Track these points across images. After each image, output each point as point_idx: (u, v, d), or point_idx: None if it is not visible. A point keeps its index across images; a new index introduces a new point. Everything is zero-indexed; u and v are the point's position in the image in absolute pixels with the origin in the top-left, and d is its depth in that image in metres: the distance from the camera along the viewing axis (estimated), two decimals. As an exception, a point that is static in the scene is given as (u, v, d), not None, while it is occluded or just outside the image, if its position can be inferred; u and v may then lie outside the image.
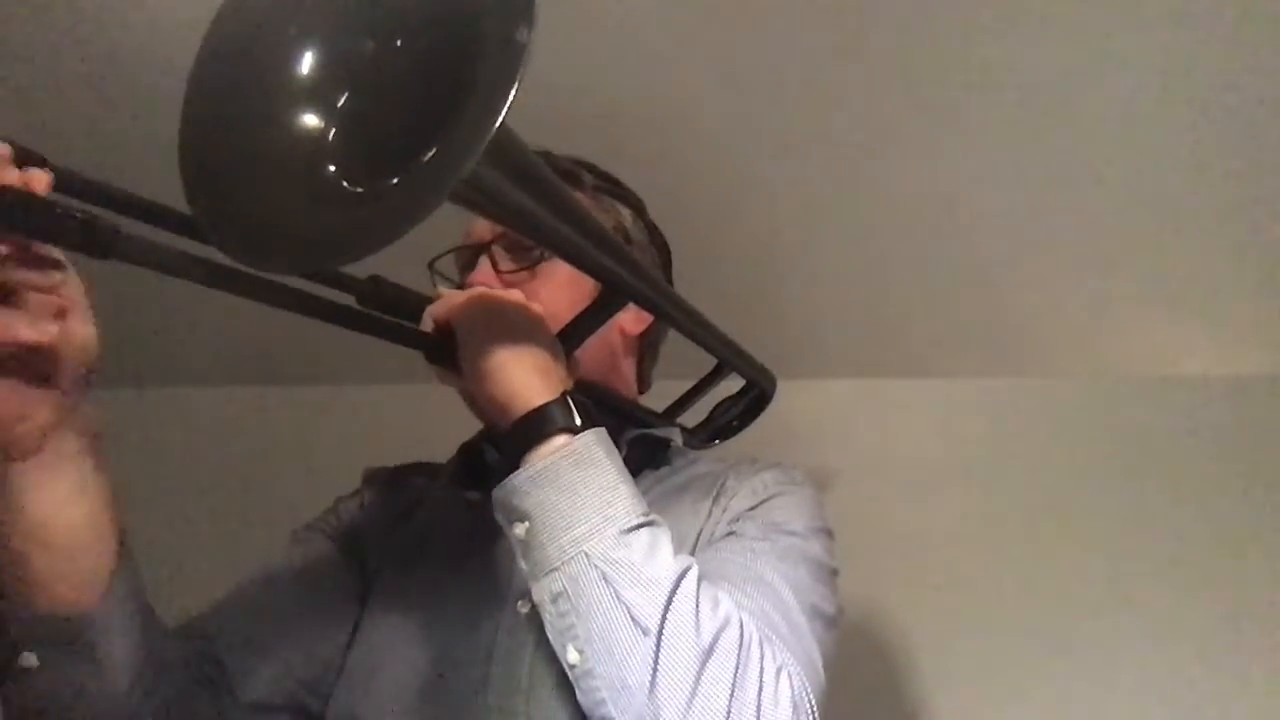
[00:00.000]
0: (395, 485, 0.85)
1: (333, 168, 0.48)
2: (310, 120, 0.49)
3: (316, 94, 0.49)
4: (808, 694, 0.55)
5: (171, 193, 0.50)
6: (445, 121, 0.44)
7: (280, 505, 1.02)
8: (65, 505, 0.53)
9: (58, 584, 0.54)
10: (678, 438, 0.83)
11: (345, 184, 0.47)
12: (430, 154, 0.44)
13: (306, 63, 0.49)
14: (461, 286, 0.76)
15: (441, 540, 0.76)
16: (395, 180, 0.45)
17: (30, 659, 0.55)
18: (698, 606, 0.53)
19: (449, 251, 0.80)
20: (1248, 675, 1.41)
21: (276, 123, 0.48)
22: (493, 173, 0.48)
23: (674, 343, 0.86)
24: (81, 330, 0.49)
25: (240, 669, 0.67)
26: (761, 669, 0.52)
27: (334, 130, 0.48)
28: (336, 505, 0.84)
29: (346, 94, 0.49)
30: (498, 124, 0.41)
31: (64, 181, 0.48)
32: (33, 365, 0.48)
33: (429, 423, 1.00)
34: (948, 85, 1.14)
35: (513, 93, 0.41)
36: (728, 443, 0.99)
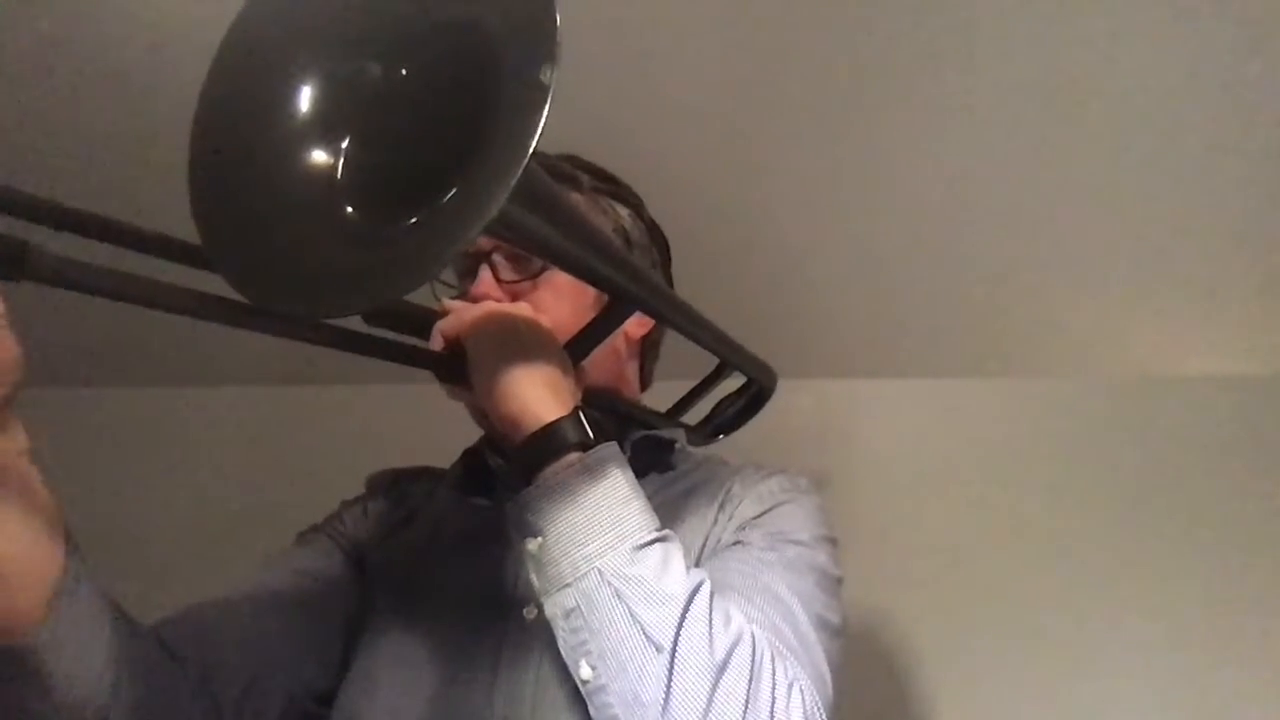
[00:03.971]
0: (397, 491, 0.85)
1: (349, 208, 0.46)
2: (319, 159, 0.47)
3: (322, 132, 0.47)
4: (818, 708, 0.55)
5: (173, 222, 0.49)
6: (464, 161, 0.42)
7: (281, 505, 1.02)
8: (7, 541, 0.47)
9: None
10: (682, 438, 0.83)
11: (364, 224, 0.46)
12: (450, 194, 0.43)
13: (309, 99, 0.47)
14: (462, 294, 0.75)
15: (445, 546, 0.76)
16: (414, 221, 0.44)
17: None
18: (711, 623, 0.53)
19: None
20: (1251, 674, 1.42)
21: (286, 163, 0.46)
22: (513, 207, 0.46)
23: (676, 344, 0.86)
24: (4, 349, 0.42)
25: (239, 711, 0.64)
26: (774, 684, 0.52)
27: (342, 169, 0.47)
28: (341, 510, 0.83)
29: (351, 133, 0.47)
30: (523, 167, 0.39)
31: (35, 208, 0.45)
32: None
33: (429, 423, 1.00)
34: (949, 86, 1.13)
35: (537, 135, 0.39)
36: (732, 443, 0.99)
